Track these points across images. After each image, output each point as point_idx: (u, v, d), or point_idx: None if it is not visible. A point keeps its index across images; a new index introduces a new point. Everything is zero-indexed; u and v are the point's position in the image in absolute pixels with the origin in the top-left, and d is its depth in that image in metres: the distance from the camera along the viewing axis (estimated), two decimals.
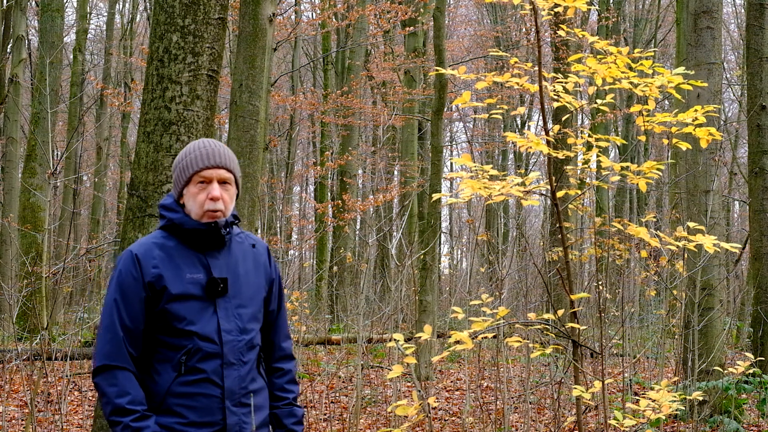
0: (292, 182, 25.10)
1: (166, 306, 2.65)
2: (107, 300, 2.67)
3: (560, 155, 4.18)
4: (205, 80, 4.58)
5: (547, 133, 4.14)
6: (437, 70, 4.74)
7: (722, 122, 18.55)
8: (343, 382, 10.31)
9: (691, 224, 4.48)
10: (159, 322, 2.66)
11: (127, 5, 26.24)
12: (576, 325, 4.07)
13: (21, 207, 14.11)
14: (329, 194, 22.06)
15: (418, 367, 9.90)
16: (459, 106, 22.38)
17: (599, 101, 4.38)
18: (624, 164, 4.18)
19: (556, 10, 4.13)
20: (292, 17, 18.24)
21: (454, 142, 32.91)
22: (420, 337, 4.13)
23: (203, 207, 2.71)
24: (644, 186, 4.13)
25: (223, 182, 2.75)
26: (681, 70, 4.09)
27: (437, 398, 9.46)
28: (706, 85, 5.72)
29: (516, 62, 4.31)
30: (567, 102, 4.22)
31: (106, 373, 2.60)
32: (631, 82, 4.12)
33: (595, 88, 4.20)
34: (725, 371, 7.21)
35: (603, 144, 4.38)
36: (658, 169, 4.10)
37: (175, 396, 2.64)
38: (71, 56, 20.25)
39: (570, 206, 9.49)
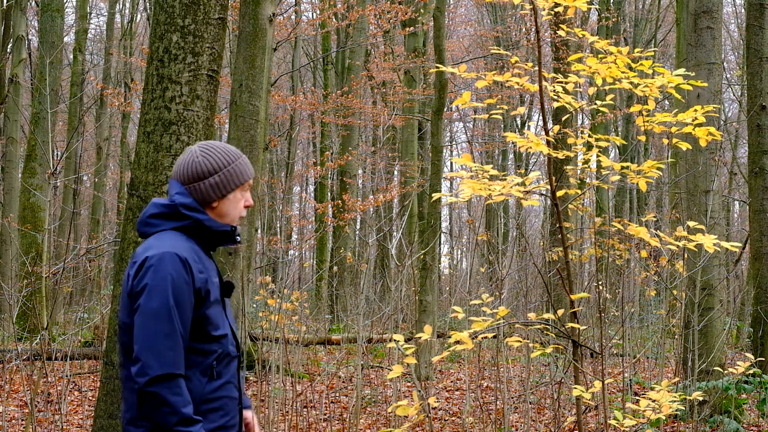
0: (292, 182, 25.11)
1: (206, 311, 2.61)
2: (160, 304, 2.52)
3: (560, 155, 4.18)
4: (205, 80, 4.58)
5: (547, 133, 4.14)
6: (437, 68, 4.74)
7: (722, 122, 18.56)
8: (343, 382, 10.31)
9: (691, 224, 4.48)
10: (194, 329, 2.61)
11: (127, 5, 26.23)
12: (576, 325, 4.08)
13: (21, 207, 14.11)
14: (329, 194, 22.06)
15: (418, 367, 9.90)
16: (459, 106, 22.35)
17: (599, 102, 4.38)
18: (624, 164, 4.18)
19: (556, 10, 4.13)
20: (292, 17, 18.24)
21: (454, 142, 32.91)
22: (420, 337, 4.13)
23: (241, 213, 2.78)
24: (644, 186, 4.13)
25: None
26: (681, 70, 4.09)
27: (437, 398, 9.46)
28: (706, 85, 5.72)
29: (516, 62, 4.31)
30: (567, 102, 4.22)
31: (170, 382, 2.49)
32: (631, 82, 4.12)
33: (595, 88, 4.20)
34: (725, 371, 7.21)
35: (603, 144, 4.38)
36: (658, 169, 4.10)
37: (207, 402, 2.61)
38: (71, 56, 20.25)
39: (570, 206, 9.50)
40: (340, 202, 16.59)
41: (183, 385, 2.52)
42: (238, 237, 2.79)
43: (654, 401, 4.09)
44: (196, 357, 2.60)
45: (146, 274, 2.55)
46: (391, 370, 4.00)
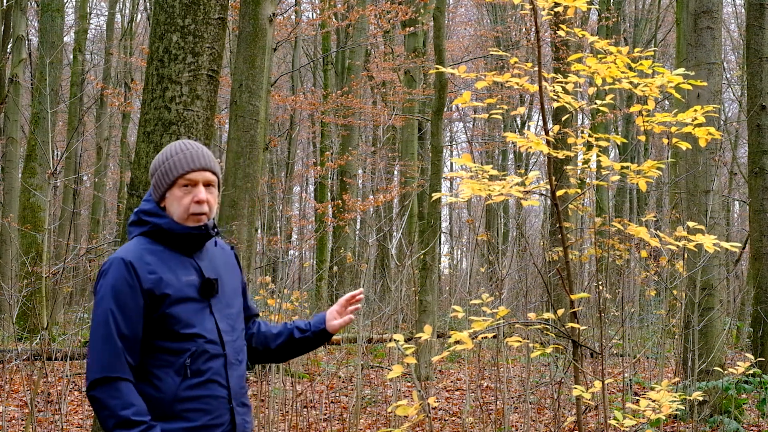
0: (292, 182, 25.11)
1: (167, 310, 2.60)
2: (100, 310, 2.57)
3: (560, 155, 4.18)
4: (205, 80, 4.58)
5: (547, 133, 4.14)
6: (437, 69, 4.74)
7: (722, 122, 18.56)
8: (343, 382, 10.31)
9: (691, 224, 4.48)
10: (158, 328, 2.60)
11: (127, 5, 26.24)
12: (576, 325, 4.08)
13: (21, 207, 14.11)
14: (329, 194, 22.06)
15: (418, 367, 9.90)
16: (459, 106, 22.36)
17: (599, 102, 4.38)
18: (624, 164, 4.18)
19: (556, 10, 4.13)
20: (292, 17, 18.24)
21: (454, 142, 32.92)
22: (420, 337, 4.13)
23: (188, 210, 2.68)
24: (644, 185, 4.13)
25: (207, 185, 2.72)
26: (681, 70, 4.09)
27: (437, 398, 9.46)
28: (706, 84, 5.73)
29: (516, 62, 4.31)
30: (567, 102, 4.22)
31: (107, 386, 2.51)
32: (631, 82, 4.12)
33: (595, 88, 4.20)
34: (725, 371, 7.21)
35: (603, 144, 4.38)
36: (658, 169, 4.10)
37: (182, 401, 2.59)
38: (71, 56, 20.24)
39: (570, 206, 9.49)
40: (340, 202, 16.59)
41: (124, 388, 2.52)
42: (215, 234, 2.77)
43: (654, 401, 4.09)
44: (167, 356, 2.60)
45: (98, 281, 2.64)
46: (391, 370, 4.00)
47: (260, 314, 3.16)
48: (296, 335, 2.97)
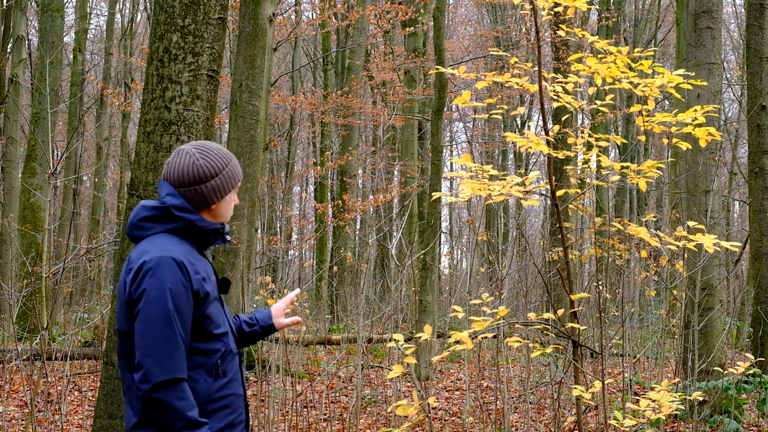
0: (292, 182, 25.11)
1: (206, 311, 2.61)
2: (160, 310, 2.51)
3: (560, 155, 4.18)
4: (205, 80, 4.58)
5: (547, 133, 4.14)
6: (437, 70, 4.74)
7: (722, 122, 18.56)
8: (343, 382, 10.31)
9: (691, 224, 4.48)
10: (195, 329, 2.60)
11: (127, 5, 26.24)
12: (576, 325, 4.08)
13: (21, 207, 14.11)
14: (329, 194, 22.06)
15: (418, 367, 9.90)
16: (459, 105, 22.37)
17: (599, 102, 4.38)
18: (624, 164, 4.18)
19: (556, 10, 4.13)
20: (292, 17, 18.25)
21: (454, 142, 32.91)
22: (420, 337, 4.13)
23: (231, 213, 2.82)
24: (644, 185, 4.13)
25: None
26: (681, 70, 4.09)
27: (437, 398, 9.46)
28: (706, 84, 5.73)
29: (516, 62, 4.31)
30: (567, 102, 4.22)
31: (172, 387, 2.48)
32: (631, 82, 4.12)
33: (595, 88, 4.20)
34: (725, 371, 7.21)
35: (603, 144, 4.38)
36: (658, 168, 4.10)
37: (214, 401, 2.62)
38: (71, 56, 20.25)
39: (570, 206, 9.49)
40: (340, 202, 16.59)
41: (187, 389, 2.51)
42: (227, 235, 2.82)
43: (654, 401, 4.09)
44: (200, 357, 2.60)
45: (144, 279, 2.54)
46: (391, 370, 4.00)
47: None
48: (245, 329, 3.02)
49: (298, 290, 3.18)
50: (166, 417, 2.48)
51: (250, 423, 2.94)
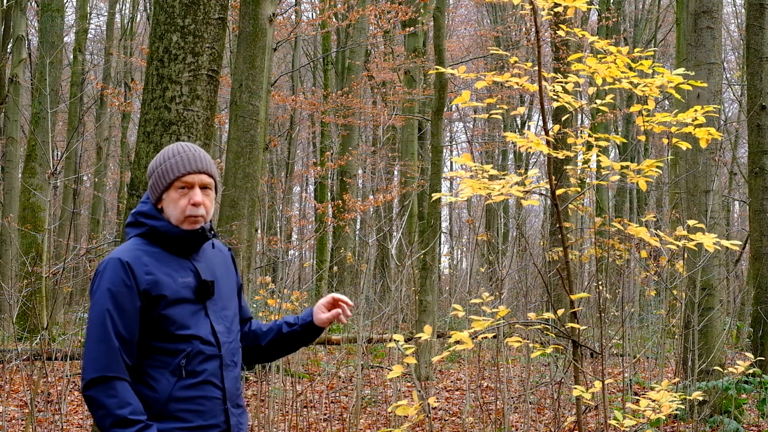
0: (292, 182, 25.10)
1: (163, 312, 2.61)
2: (97, 311, 2.58)
3: (560, 155, 4.18)
4: (205, 80, 4.59)
5: (547, 133, 4.14)
6: (437, 70, 4.74)
7: (722, 122, 18.56)
8: (343, 382, 10.31)
9: (691, 222, 4.48)
10: (154, 329, 2.61)
11: (127, 5, 26.24)
12: (576, 325, 4.08)
13: (21, 207, 14.11)
14: (329, 194, 22.06)
15: (418, 367, 9.90)
16: (459, 105, 22.38)
17: (599, 101, 4.38)
18: (624, 164, 4.18)
19: (556, 10, 4.13)
20: (292, 17, 18.25)
21: (454, 142, 32.90)
22: (420, 337, 4.13)
23: (184, 213, 2.69)
24: (644, 185, 4.13)
25: (204, 187, 2.72)
26: (681, 70, 4.09)
27: (437, 398, 9.46)
28: (706, 85, 5.72)
29: (516, 62, 4.31)
30: (567, 102, 4.22)
31: (103, 385, 2.52)
32: (631, 82, 4.12)
33: (595, 88, 4.20)
34: (725, 371, 7.20)
35: (603, 143, 4.38)
36: (658, 168, 4.10)
37: (177, 401, 2.60)
38: (71, 56, 20.24)
39: (570, 206, 9.50)
40: (340, 202, 16.59)
41: (120, 387, 2.53)
42: (214, 237, 2.79)
43: (654, 401, 4.09)
44: (163, 357, 2.61)
45: (93, 282, 2.65)
46: (391, 370, 4.00)
47: (260, 314, 3.17)
48: (285, 330, 2.96)
49: (349, 301, 3.00)
50: (97, 414, 2.53)
51: (249, 423, 2.89)
